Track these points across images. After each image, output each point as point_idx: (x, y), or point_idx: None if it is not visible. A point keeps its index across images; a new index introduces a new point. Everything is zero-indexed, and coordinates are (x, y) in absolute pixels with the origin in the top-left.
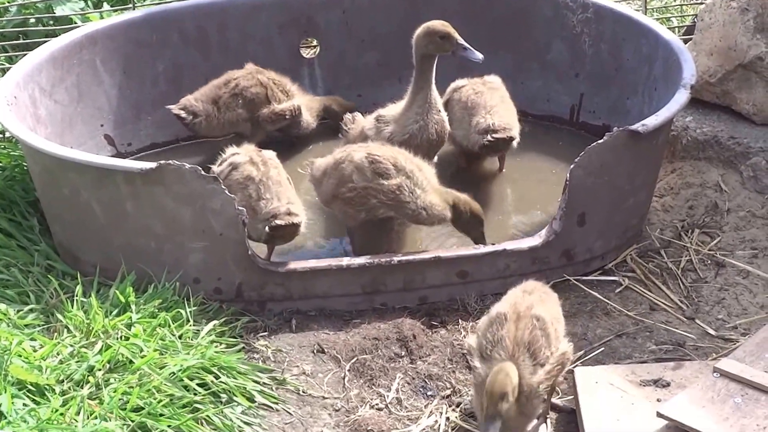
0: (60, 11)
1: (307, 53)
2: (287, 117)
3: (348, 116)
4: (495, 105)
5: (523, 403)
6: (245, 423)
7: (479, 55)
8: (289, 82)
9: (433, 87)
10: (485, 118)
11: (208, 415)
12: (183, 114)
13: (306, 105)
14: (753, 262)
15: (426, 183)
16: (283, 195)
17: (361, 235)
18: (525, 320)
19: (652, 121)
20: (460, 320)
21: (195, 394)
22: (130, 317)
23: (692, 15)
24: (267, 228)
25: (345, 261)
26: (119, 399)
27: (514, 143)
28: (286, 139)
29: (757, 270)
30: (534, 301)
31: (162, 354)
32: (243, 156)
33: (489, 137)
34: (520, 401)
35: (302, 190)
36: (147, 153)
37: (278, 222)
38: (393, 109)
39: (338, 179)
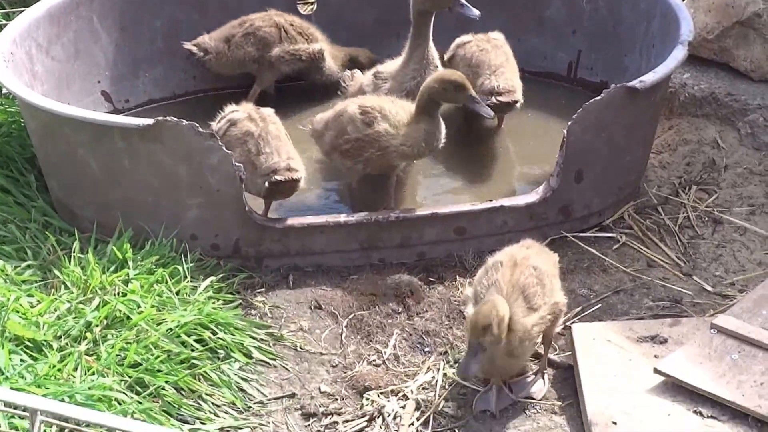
0: None
1: (304, 10)
2: (303, 58)
3: (347, 73)
4: (500, 65)
5: (514, 343)
6: (243, 379)
7: (476, 12)
8: (312, 27)
9: (431, 43)
10: (490, 79)
11: (205, 371)
12: (194, 50)
13: (330, 53)
14: (750, 219)
15: (399, 120)
16: (282, 150)
17: (359, 192)
18: (521, 267)
19: (650, 77)
20: (457, 276)
21: (192, 350)
22: (128, 273)
23: None
24: (266, 183)
25: (342, 217)
26: (117, 355)
27: (518, 105)
28: (310, 85)
29: (754, 226)
30: (532, 254)
31: (159, 310)
32: (241, 113)
33: (493, 100)
34: (510, 341)
35: (300, 147)
36: (144, 109)
37: (278, 177)
38: (391, 66)
39: (337, 131)
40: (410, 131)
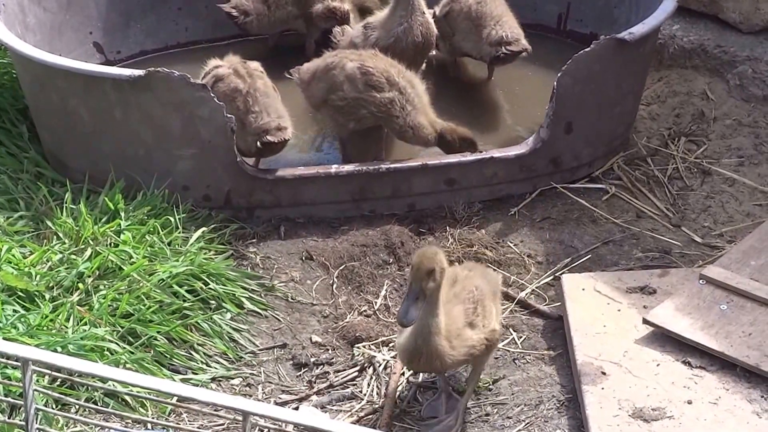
0: None
1: None
2: (337, 18)
3: (337, 29)
4: (502, 14)
5: (450, 337)
6: (234, 329)
7: None
8: None
9: None
10: (495, 30)
11: (197, 321)
12: (234, 13)
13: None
14: (739, 170)
15: (418, 101)
16: (271, 108)
17: (350, 143)
18: (462, 283)
19: (639, 29)
20: (447, 227)
21: (184, 301)
22: (120, 224)
23: None
24: (258, 143)
25: (333, 168)
26: (109, 305)
27: (525, 54)
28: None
29: (743, 178)
30: (475, 275)
31: (151, 261)
32: (227, 68)
33: (504, 50)
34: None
35: (289, 97)
36: (136, 60)
37: (270, 138)
38: (380, 16)
39: (329, 85)
40: (425, 123)
